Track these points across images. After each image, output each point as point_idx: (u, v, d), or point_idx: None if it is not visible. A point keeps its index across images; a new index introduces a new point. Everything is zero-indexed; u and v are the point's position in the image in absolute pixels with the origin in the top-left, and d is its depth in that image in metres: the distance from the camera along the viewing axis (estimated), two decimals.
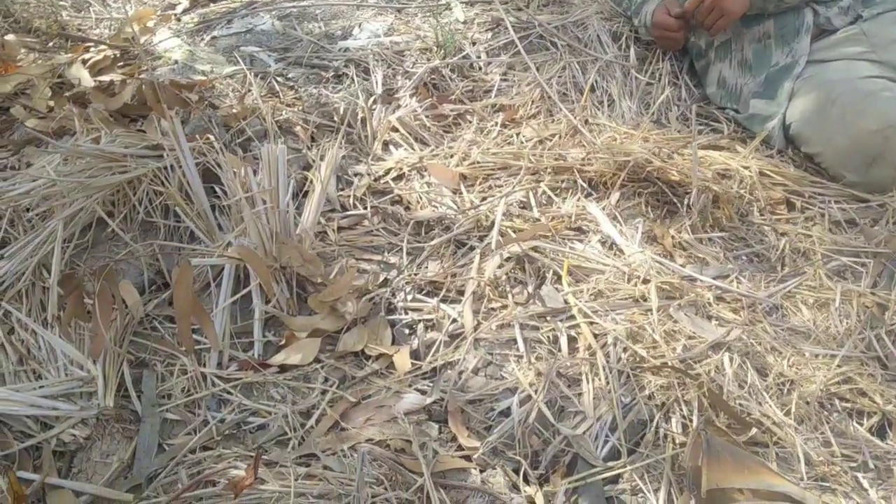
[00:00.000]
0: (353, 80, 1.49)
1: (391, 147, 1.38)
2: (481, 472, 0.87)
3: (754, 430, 0.89)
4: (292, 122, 1.33)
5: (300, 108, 1.38)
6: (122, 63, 1.53)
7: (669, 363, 0.96)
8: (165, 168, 1.09)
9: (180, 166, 1.06)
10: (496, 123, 1.45)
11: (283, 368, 0.98)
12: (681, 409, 0.92)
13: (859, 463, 0.89)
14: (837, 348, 1.01)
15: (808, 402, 0.95)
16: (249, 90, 1.36)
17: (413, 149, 1.37)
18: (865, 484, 0.85)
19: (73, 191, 1.00)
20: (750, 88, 1.53)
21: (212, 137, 1.11)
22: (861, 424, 0.94)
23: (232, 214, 1.09)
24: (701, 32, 1.58)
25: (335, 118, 1.35)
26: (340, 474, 0.82)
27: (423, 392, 0.95)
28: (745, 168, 1.32)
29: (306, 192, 1.19)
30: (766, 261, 1.19)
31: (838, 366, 0.99)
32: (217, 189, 1.10)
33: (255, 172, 1.12)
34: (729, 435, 0.89)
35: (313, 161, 1.24)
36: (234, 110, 1.27)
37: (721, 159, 1.34)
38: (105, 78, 1.42)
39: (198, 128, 1.17)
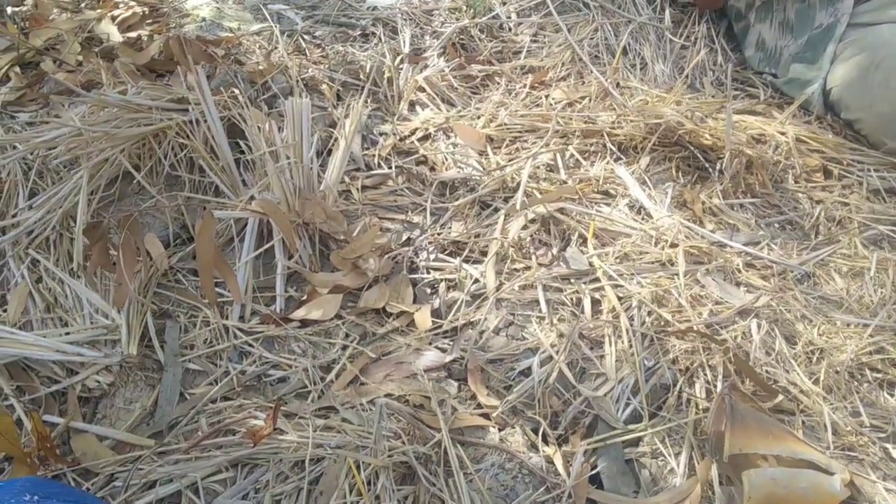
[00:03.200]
0: (380, 38, 1.47)
1: (417, 107, 1.36)
2: (500, 430, 0.86)
3: (780, 398, 0.87)
4: (318, 80, 1.32)
5: (326, 66, 1.37)
6: (150, 20, 1.53)
7: (695, 327, 0.94)
8: (191, 122, 1.08)
9: (205, 120, 1.06)
10: (525, 85, 1.43)
11: (305, 323, 0.98)
12: (705, 375, 0.90)
13: (888, 434, 0.87)
14: (870, 317, 0.99)
15: (837, 372, 0.92)
16: (276, 47, 1.35)
17: (440, 109, 1.35)
18: (894, 453, 0.83)
19: (98, 140, 1.00)
20: (791, 51, 1.48)
21: (237, 91, 1.11)
22: (892, 395, 0.91)
23: (256, 169, 1.08)
24: None
25: (361, 76, 1.33)
26: (359, 427, 0.82)
27: (443, 350, 0.94)
28: (782, 133, 1.28)
29: (331, 150, 1.18)
30: (799, 228, 1.16)
31: (870, 335, 0.96)
32: (241, 144, 1.09)
33: (280, 129, 1.11)
34: (754, 401, 0.87)
35: (338, 119, 1.23)
36: (261, 67, 1.26)
37: (757, 124, 1.30)
38: (133, 34, 1.42)
39: (223, 83, 1.17)
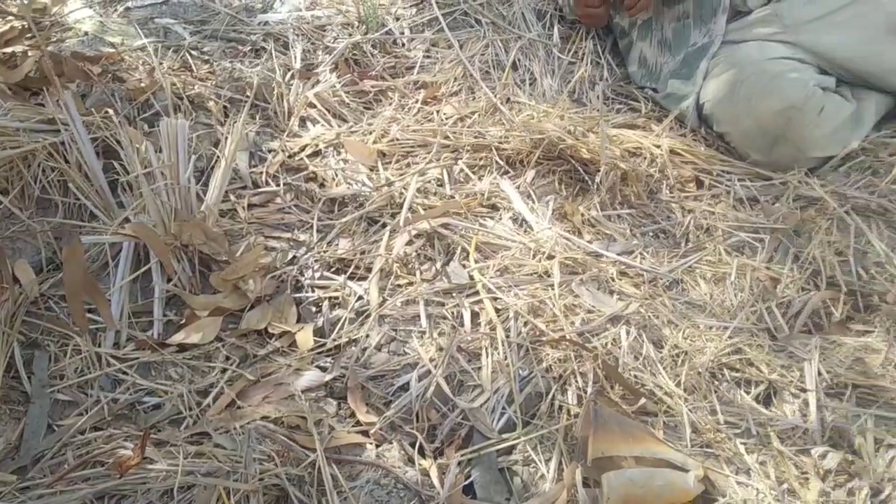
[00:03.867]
0: (271, 54, 1.46)
1: (308, 123, 1.37)
2: (377, 446, 0.88)
3: (643, 401, 0.92)
4: (204, 96, 1.30)
5: (213, 82, 1.35)
6: (30, 34, 1.47)
7: (567, 336, 0.98)
8: (63, 143, 1.05)
9: (75, 142, 1.03)
10: (417, 101, 1.45)
11: (183, 347, 0.97)
12: (576, 382, 0.95)
13: (743, 430, 0.93)
14: (730, 320, 1.05)
15: (699, 373, 0.98)
16: (160, 63, 1.32)
17: (331, 125, 1.36)
18: (743, 449, 0.89)
19: None
20: (669, 68, 1.56)
21: (111, 111, 1.08)
22: (748, 393, 0.98)
23: (134, 192, 1.07)
24: (624, 12, 1.60)
25: (248, 93, 1.33)
26: (231, 452, 0.82)
27: (323, 369, 0.95)
28: (657, 147, 1.35)
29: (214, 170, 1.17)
30: (671, 237, 1.22)
31: (730, 337, 1.02)
32: (117, 165, 1.07)
33: (158, 149, 1.09)
34: (620, 406, 0.92)
35: (224, 136, 1.22)
36: (142, 84, 1.24)
37: (634, 138, 1.36)
38: (8, 50, 1.36)
39: (99, 101, 1.14)
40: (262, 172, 1.24)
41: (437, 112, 1.43)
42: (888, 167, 1.34)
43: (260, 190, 1.21)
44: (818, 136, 1.32)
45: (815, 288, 1.12)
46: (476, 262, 1.09)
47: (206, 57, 1.43)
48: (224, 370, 0.94)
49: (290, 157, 1.28)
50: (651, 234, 1.23)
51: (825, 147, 1.35)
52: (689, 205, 1.27)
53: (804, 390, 0.97)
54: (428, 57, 1.56)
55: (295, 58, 1.47)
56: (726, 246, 1.17)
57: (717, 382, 0.99)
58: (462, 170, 1.30)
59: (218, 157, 1.15)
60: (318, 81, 1.44)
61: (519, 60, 1.57)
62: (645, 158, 1.31)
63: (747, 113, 1.34)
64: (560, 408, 0.93)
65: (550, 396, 0.93)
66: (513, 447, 0.89)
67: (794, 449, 0.90)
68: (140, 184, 1.01)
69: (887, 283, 1.14)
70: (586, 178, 1.28)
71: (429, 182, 1.26)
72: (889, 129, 1.45)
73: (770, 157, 1.34)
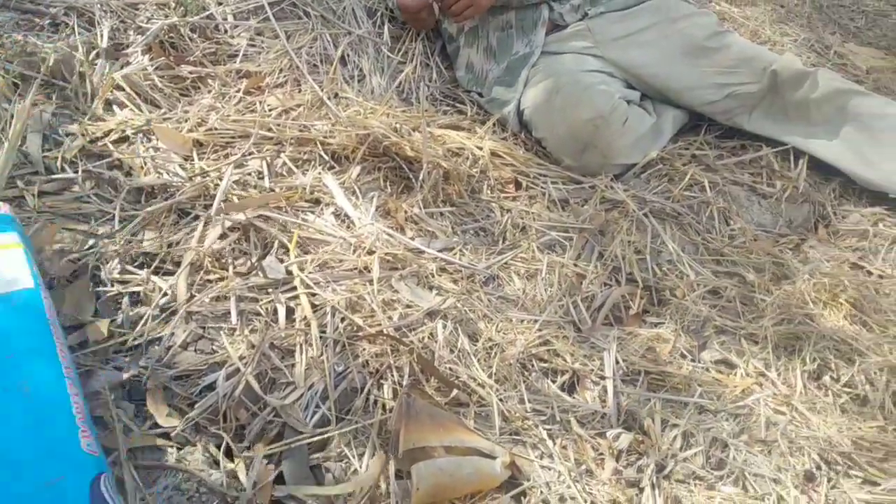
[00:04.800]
0: (73, 29, 1.34)
1: (115, 107, 1.26)
2: (179, 449, 0.82)
3: (455, 392, 0.94)
4: None
5: (3, 55, 1.21)
6: None
7: (385, 331, 0.98)
8: None
9: None
10: (239, 90, 1.39)
11: None
12: (392, 376, 0.95)
13: (548, 416, 0.98)
14: (540, 314, 1.11)
15: (510, 364, 1.02)
16: None
17: (140, 110, 1.27)
18: (545, 434, 0.93)
19: None
20: (494, 74, 1.62)
21: None
22: (554, 382, 1.03)
23: None
24: (451, 19, 1.64)
25: (41, 68, 1.20)
26: None
27: (119, 369, 0.88)
28: (479, 148, 1.39)
29: None
30: (490, 235, 1.27)
31: (539, 329, 1.08)
32: None
33: None
34: (434, 398, 0.93)
35: (10, 115, 1.09)
36: None
37: (458, 139, 1.40)
38: None
39: None
40: (57, 158, 1.12)
41: (261, 103, 1.38)
42: (682, 175, 1.48)
43: (54, 177, 1.10)
44: (622, 145, 1.44)
45: (616, 283, 1.22)
46: (295, 256, 1.06)
47: None
48: None
49: (91, 142, 1.17)
50: (471, 231, 1.26)
51: (628, 155, 1.47)
52: (508, 205, 1.33)
53: (603, 378, 1.05)
54: (252, 46, 1.50)
55: (101, 35, 1.35)
56: (539, 244, 1.24)
57: (526, 373, 1.03)
58: (285, 163, 1.27)
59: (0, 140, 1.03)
60: (127, 63, 1.34)
61: (348, 56, 1.56)
62: (467, 159, 1.35)
63: (561, 120, 1.42)
64: (375, 402, 0.92)
65: (366, 391, 0.93)
66: (326, 443, 0.87)
67: (593, 432, 0.97)
68: None
69: (677, 279, 1.26)
70: (410, 175, 1.29)
71: (248, 174, 1.22)
72: (684, 141, 1.60)
73: (580, 163, 1.43)
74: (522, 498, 0.86)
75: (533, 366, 1.04)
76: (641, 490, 0.90)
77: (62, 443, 0.69)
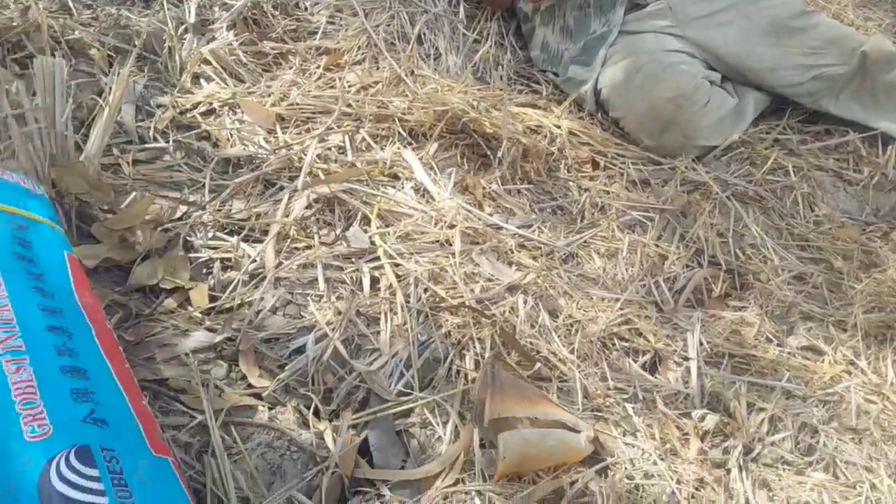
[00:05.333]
0: (162, 5, 1.37)
1: (202, 80, 1.29)
2: (270, 409, 0.84)
3: (538, 366, 0.94)
4: (86, 43, 1.20)
5: (97, 28, 1.25)
6: None
7: (467, 303, 0.98)
8: None
9: None
10: (319, 66, 1.41)
11: None
12: (474, 347, 0.95)
13: (630, 395, 0.97)
14: (621, 293, 1.09)
15: (591, 341, 1.01)
16: (34, 3, 1.21)
17: (226, 84, 1.30)
18: (631, 411, 0.92)
19: None
20: (570, 54, 1.60)
21: None
22: (636, 361, 1.02)
23: (1, 136, 0.97)
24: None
25: (136, 42, 1.24)
26: None
27: (213, 331, 0.90)
28: (557, 126, 1.38)
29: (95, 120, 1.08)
30: (567, 213, 1.25)
31: (620, 308, 1.06)
32: None
33: (33, 93, 1.00)
34: (516, 370, 0.93)
35: (109, 87, 1.13)
36: (14, 23, 1.13)
37: (535, 116, 1.39)
38: None
39: None
40: (149, 128, 1.16)
41: (340, 79, 1.39)
42: (764, 159, 1.44)
43: (147, 146, 1.13)
44: (703, 126, 1.40)
45: (699, 265, 1.19)
46: (377, 228, 1.07)
47: (89, 1, 1.32)
48: None
49: (181, 113, 1.21)
50: (549, 209, 1.25)
51: (709, 136, 1.43)
52: (586, 184, 1.31)
53: (686, 359, 1.03)
54: (332, 23, 1.52)
55: (189, 11, 1.38)
56: (619, 223, 1.22)
57: (607, 351, 1.02)
58: (364, 139, 1.28)
59: (101, 106, 1.06)
60: (213, 38, 1.37)
61: (424, 34, 1.56)
62: (545, 136, 1.34)
63: (641, 98, 1.39)
64: (458, 372, 0.93)
65: (448, 361, 0.93)
66: (410, 411, 0.88)
67: (677, 412, 0.95)
68: (9, 126, 0.91)
69: (761, 263, 1.22)
70: (488, 152, 1.29)
71: (329, 149, 1.23)
72: (766, 125, 1.55)
73: (659, 143, 1.40)
74: (607, 473, 0.85)
75: (614, 344, 1.03)
76: (728, 471, 0.89)
77: (4, 440, 0.57)
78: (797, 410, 0.98)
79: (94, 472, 0.56)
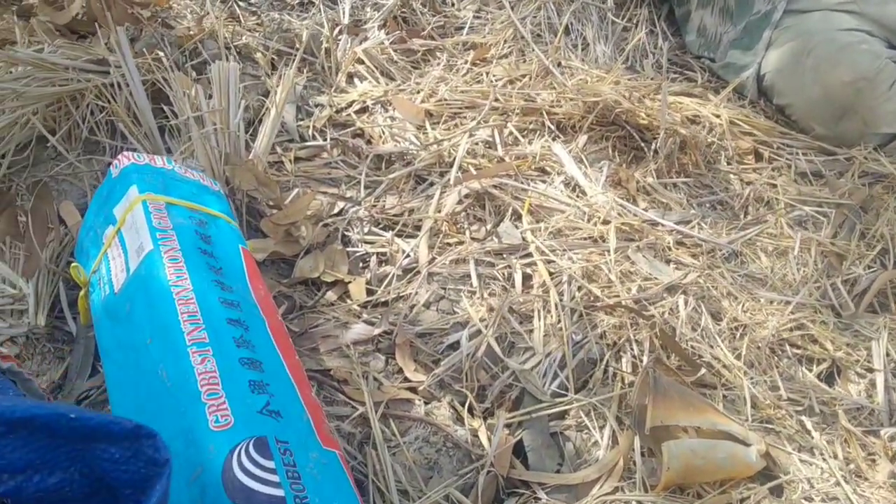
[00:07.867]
0: (319, 8, 1.43)
1: (355, 79, 1.33)
2: (426, 403, 0.85)
3: (703, 372, 0.88)
4: (252, 47, 1.27)
5: (261, 33, 1.32)
6: None
7: (623, 303, 0.94)
8: (111, 85, 1.03)
9: (127, 84, 1.01)
10: (466, 61, 1.41)
11: None
12: (632, 349, 0.91)
13: (805, 407, 0.89)
14: (793, 295, 1.01)
15: (759, 347, 0.94)
16: (207, 12, 1.29)
17: (378, 82, 1.33)
18: (809, 426, 0.85)
19: (6, 99, 0.95)
20: (729, 37, 1.50)
21: (161, 54, 1.06)
22: (810, 370, 0.94)
23: (182, 136, 1.04)
24: None
25: (297, 45, 1.29)
26: None
27: (371, 324, 0.92)
28: (716, 116, 1.29)
29: (262, 120, 1.14)
30: (729, 208, 1.17)
31: (792, 312, 0.98)
32: (166, 110, 1.05)
33: (208, 96, 1.07)
34: (678, 375, 0.88)
35: (271, 88, 1.19)
36: (191, 31, 1.21)
37: (692, 106, 1.31)
38: None
39: (148, 45, 1.12)
40: (308, 127, 1.21)
41: (487, 74, 1.39)
42: None
43: (307, 144, 1.18)
44: (887, 111, 1.26)
45: (882, 267, 1.07)
46: (528, 224, 1.06)
47: (254, 8, 1.40)
48: None
49: (337, 112, 1.25)
50: (708, 204, 1.18)
51: (893, 123, 1.29)
52: (749, 177, 1.22)
53: (870, 370, 0.93)
54: (478, 17, 1.52)
55: (343, 13, 1.43)
56: (789, 219, 1.13)
57: (777, 358, 0.95)
58: (511, 133, 1.26)
59: (267, 108, 1.12)
60: (366, 38, 1.41)
61: (571, 25, 1.52)
62: (704, 127, 1.26)
63: (814, 83, 1.28)
64: (614, 375, 0.89)
65: (604, 363, 0.90)
66: (565, 412, 0.86)
67: (861, 429, 0.86)
68: (189, 127, 0.98)
69: None
70: (642, 144, 1.23)
71: (476, 143, 1.23)
72: None
73: (835, 131, 1.28)
74: (781, 492, 0.79)
75: (784, 351, 0.95)
76: None
77: (192, 429, 0.59)
78: None
79: (271, 465, 0.58)
